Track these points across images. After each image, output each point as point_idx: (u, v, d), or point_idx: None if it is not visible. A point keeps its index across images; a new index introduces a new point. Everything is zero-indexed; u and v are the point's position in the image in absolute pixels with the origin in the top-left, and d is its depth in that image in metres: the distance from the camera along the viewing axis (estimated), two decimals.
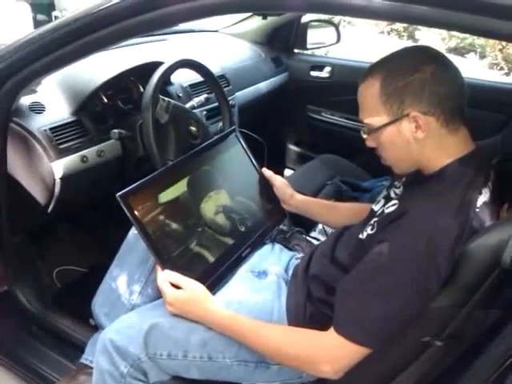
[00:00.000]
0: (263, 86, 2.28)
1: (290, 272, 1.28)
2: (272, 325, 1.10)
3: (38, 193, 1.39)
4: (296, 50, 2.61)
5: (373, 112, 1.01)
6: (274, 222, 1.45)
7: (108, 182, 1.52)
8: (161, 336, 1.10)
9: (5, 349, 1.52)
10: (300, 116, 2.52)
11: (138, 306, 1.29)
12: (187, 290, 1.09)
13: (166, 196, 1.18)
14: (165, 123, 1.41)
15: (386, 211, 1.06)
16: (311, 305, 1.15)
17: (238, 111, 2.04)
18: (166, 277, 1.11)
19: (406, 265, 0.91)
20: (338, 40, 2.60)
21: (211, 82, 1.59)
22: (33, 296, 1.58)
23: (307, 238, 1.51)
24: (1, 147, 1.29)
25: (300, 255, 1.37)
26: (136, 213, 1.10)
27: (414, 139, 0.98)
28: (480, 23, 0.75)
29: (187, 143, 1.44)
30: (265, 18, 1.63)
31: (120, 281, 1.35)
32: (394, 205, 1.05)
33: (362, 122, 1.05)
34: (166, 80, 1.54)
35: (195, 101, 1.66)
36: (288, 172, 2.69)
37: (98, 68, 1.55)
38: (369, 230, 1.07)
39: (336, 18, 8.54)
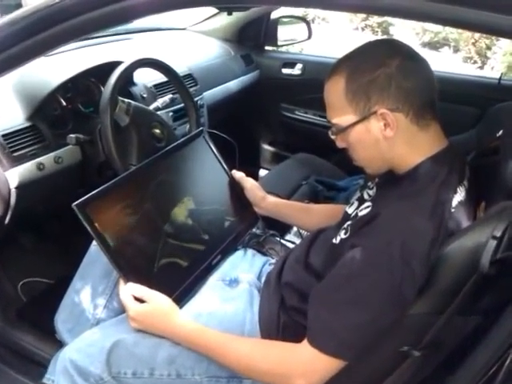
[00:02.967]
0: (233, 85, 2.21)
1: (263, 279, 1.22)
2: (242, 338, 1.04)
3: None
4: (267, 48, 2.55)
5: (339, 111, 0.97)
6: (246, 227, 1.38)
7: (69, 190, 1.44)
8: (124, 353, 1.04)
9: None
10: (273, 115, 2.46)
11: (104, 320, 1.22)
12: (151, 304, 1.03)
13: (127, 204, 1.11)
14: (125, 126, 1.34)
15: (360, 214, 1.01)
16: (285, 314, 1.09)
17: (208, 111, 1.97)
18: (129, 290, 1.04)
19: (379, 270, 0.87)
20: (310, 36, 2.54)
21: (175, 81, 1.52)
22: None
23: (281, 241, 1.45)
24: None
25: (273, 260, 1.32)
26: (95, 223, 1.03)
27: (384, 138, 0.94)
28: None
29: (151, 147, 1.37)
30: (230, 13, 1.56)
31: (83, 294, 1.27)
32: (367, 207, 1.00)
33: (329, 122, 1.00)
34: (126, 80, 1.46)
35: (160, 102, 1.59)
36: (263, 172, 2.63)
37: (55, 69, 1.47)
38: (342, 235, 1.02)
39: (310, 14, 8.62)
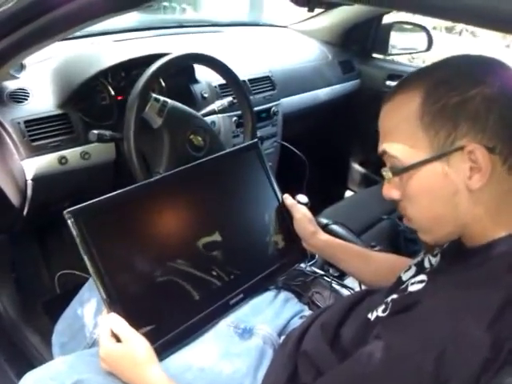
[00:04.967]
0: (323, 94, 1.95)
1: (283, 337, 0.98)
2: None
3: (10, 192, 1.21)
4: (374, 55, 2.24)
5: (405, 141, 0.67)
6: (286, 263, 1.14)
7: (98, 190, 1.30)
8: None
9: None
10: (368, 132, 2.15)
11: None
12: (125, 346, 0.84)
13: (135, 219, 0.93)
14: (158, 128, 1.16)
15: (410, 288, 0.73)
16: None
17: (284, 120, 1.74)
18: (108, 322, 0.86)
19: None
20: (429, 47, 2.20)
21: (232, 83, 1.31)
22: (11, 301, 1.42)
23: (334, 285, 1.19)
24: None
25: (307, 313, 1.07)
26: (87, 238, 0.85)
27: (467, 188, 0.64)
28: None
29: (185, 155, 1.18)
30: (311, 10, 1.31)
31: (87, 308, 1.13)
32: (421, 282, 0.72)
33: (381, 156, 0.72)
34: (162, 76, 1.28)
35: (216, 104, 1.39)
36: (349, 194, 2.36)
37: (105, 54, 1.35)
38: (380, 311, 0.75)
39: (458, 27, 7.97)
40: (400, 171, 0.68)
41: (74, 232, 0.83)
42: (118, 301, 0.86)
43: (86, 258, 0.85)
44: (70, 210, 0.83)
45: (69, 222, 0.83)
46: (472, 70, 0.65)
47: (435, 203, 0.67)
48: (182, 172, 1.02)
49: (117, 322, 0.85)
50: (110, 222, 0.89)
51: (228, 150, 1.17)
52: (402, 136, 0.67)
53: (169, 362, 0.89)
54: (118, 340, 0.84)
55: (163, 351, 0.88)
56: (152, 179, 1.05)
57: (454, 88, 0.63)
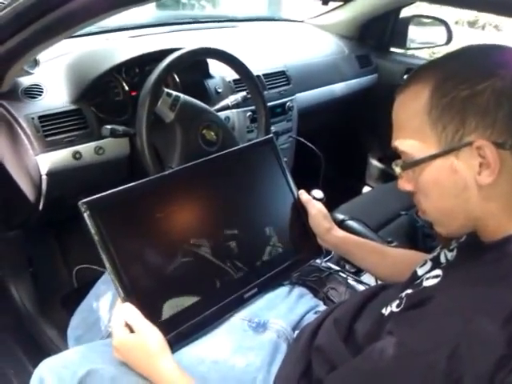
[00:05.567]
0: (339, 88, 1.93)
1: (297, 332, 0.97)
2: None
3: (26, 187, 1.23)
4: (393, 49, 2.21)
5: (415, 135, 0.67)
6: (301, 260, 1.13)
7: (112, 185, 1.31)
8: None
9: None
10: (385, 127, 2.13)
11: None
12: (138, 337, 0.84)
13: (150, 212, 0.93)
14: (170, 123, 1.16)
15: (424, 283, 0.72)
16: None
17: (299, 115, 1.73)
18: (122, 312, 0.87)
19: (411, 381, 0.60)
20: (449, 41, 2.16)
21: (245, 78, 1.30)
22: (28, 295, 1.44)
23: (350, 281, 1.18)
24: None
25: (322, 308, 1.06)
26: (103, 229, 0.85)
27: (476, 184, 0.63)
28: None
29: (198, 150, 1.17)
30: (325, 2, 1.29)
31: (103, 301, 1.14)
32: (436, 277, 0.71)
33: (395, 150, 0.71)
34: (175, 70, 1.27)
35: (230, 99, 1.38)
36: (367, 189, 2.33)
37: (119, 50, 1.35)
38: (394, 306, 0.73)
39: (481, 20, 7.81)
40: (409, 166, 0.68)
41: (89, 222, 0.84)
42: (132, 291, 0.87)
43: (100, 249, 0.86)
44: (84, 200, 0.84)
45: (83, 212, 0.84)
46: (484, 61, 0.63)
47: (445, 197, 0.67)
48: (197, 165, 1.02)
49: (130, 313, 0.86)
50: (124, 213, 0.90)
51: (244, 145, 1.16)
52: (411, 131, 0.67)
53: (182, 355, 0.89)
54: (132, 331, 0.84)
55: (176, 343, 0.88)
56: (167, 172, 1.05)
57: (463, 81, 0.61)
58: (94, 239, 0.85)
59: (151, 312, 0.86)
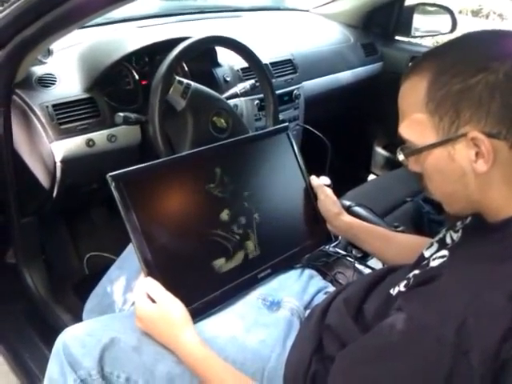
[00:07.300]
0: (344, 77, 1.94)
1: (308, 311, 1.00)
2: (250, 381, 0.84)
3: (40, 174, 1.25)
4: (397, 38, 2.22)
5: (415, 125, 0.70)
6: (312, 244, 1.17)
7: None
8: (122, 355, 0.90)
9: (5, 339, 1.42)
10: (392, 115, 2.14)
11: None
12: (160, 308, 0.87)
13: (172, 189, 0.97)
14: (182, 110, 1.18)
15: (431, 263, 0.74)
16: (319, 362, 0.87)
17: (306, 103, 1.74)
18: (145, 285, 0.90)
19: (421, 353, 0.62)
20: (453, 29, 2.17)
21: (254, 66, 1.32)
22: (42, 281, 1.47)
23: (357, 265, 1.20)
24: (4, 122, 1.17)
25: (332, 289, 1.09)
26: (129, 202, 0.89)
27: (473, 172, 0.66)
28: None
29: (209, 137, 1.20)
30: None
31: (117, 285, 1.18)
32: (442, 257, 0.73)
33: (400, 137, 0.74)
34: (185, 59, 1.27)
35: (239, 87, 1.40)
36: (372, 177, 2.35)
37: (128, 39, 1.37)
38: (402, 286, 0.76)
39: (485, 9, 7.76)
40: (411, 153, 0.72)
41: (115, 194, 0.87)
42: (154, 264, 0.90)
43: (127, 224, 0.89)
44: (112, 174, 0.87)
45: (111, 185, 0.87)
46: (478, 54, 0.65)
47: (446, 183, 0.71)
48: (217, 148, 1.06)
49: (153, 285, 0.89)
50: (149, 188, 0.93)
51: (260, 132, 1.20)
52: (412, 120, 0.70)
53: (199, 328, 0.91)
54: (154, 303, 0.87)
55: (196, 315, 0.91)
56: (189, 151, 1.08)
57: (457, 74, 0.64)
58: (119, 210, 0.88)
59: (172, 285, 0.89)
